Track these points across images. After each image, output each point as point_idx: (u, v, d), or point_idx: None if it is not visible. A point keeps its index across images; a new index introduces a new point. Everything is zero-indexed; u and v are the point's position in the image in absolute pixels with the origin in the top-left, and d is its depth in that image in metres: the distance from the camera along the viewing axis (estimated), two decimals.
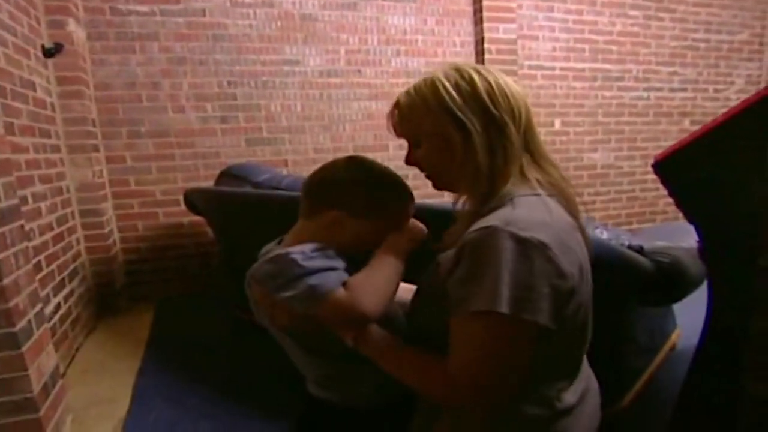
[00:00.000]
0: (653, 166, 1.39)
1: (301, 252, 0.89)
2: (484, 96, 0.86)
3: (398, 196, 1.00)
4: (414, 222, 1.02)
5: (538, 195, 0.84)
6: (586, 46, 4.30)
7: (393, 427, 1.03)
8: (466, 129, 0.85)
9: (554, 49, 4.20)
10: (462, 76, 0.87)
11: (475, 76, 0.87)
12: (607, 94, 4.46)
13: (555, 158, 0.92)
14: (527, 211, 0.78)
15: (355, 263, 0.95)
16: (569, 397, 0.85)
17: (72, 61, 2.91)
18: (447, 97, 0.86)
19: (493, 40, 3.85)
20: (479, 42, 3.88)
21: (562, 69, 4.25)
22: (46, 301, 2.28)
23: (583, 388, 0.90)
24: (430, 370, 0.82)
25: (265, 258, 0.93)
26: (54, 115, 2.82)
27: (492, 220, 0.76)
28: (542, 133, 4.36)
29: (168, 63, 3.31)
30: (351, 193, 0.96)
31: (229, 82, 3.43)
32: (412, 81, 3.30)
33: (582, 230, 0.88)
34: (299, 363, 1.04)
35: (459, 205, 0.99)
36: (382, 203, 0.98)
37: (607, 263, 1.64)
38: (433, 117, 0.88)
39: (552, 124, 4.32)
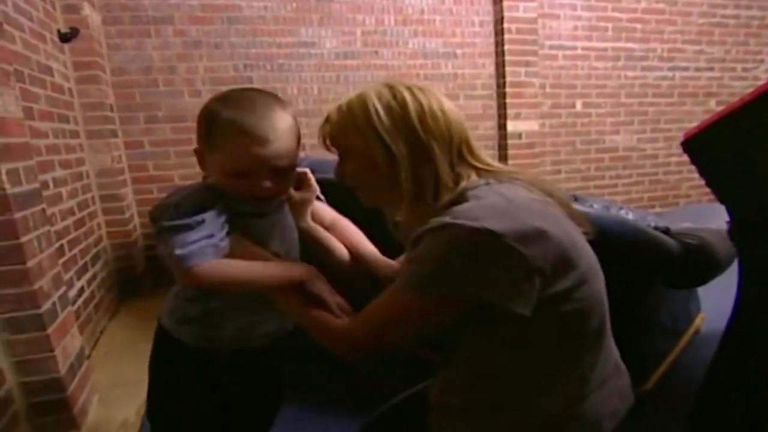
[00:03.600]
0: (682, 144, 1.36)
1: (177, 205, 0.92)
2: (414, 119, 0.86)
3: (231, 128, 0.92)
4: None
5: (488, 184, 0.86)
6: (609, 25, 4.17)
7: (241, 369, 1.08)
8: (391, 153, 0.86)
9: (576, 28, 4.09)
10: (394, 96, 0.88)
11: (408, 97, 0.87)
12: (630, 74, 4.34)
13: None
14: (477, 202, 0.80)
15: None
16: (595, 375, 0.84)
17: (88, 46, 2.90)
18: (376, 119, 0.86)
19: (513, 20, 3.76)
20: (498, 21, 3.79)
21: (583, 48, 4.14)
22: (70, 284, 2.30)
23: (610, 368, 0.89)
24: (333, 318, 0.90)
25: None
26: (72, 100, 2.83)
27: (444, 216, 0.78)
28: (562, 115, 4.28)
29: (183, 47, 3.30)
30: (200, 124, 0.96)
31: (244, 65, 3.41)
32: (430, 62, 3.27)
33: (564, 204, 0.89)
34: (171, 294, 1.10)
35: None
36: (217, 135, 0.94)
37: (633, 244, 1.62)
38: (361, 137, 0.89)
39: (573, 106, 4.23)
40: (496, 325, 0.80)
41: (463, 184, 0.87)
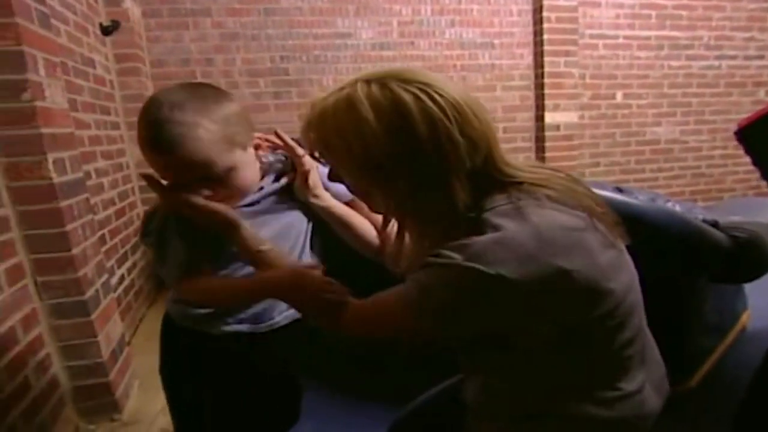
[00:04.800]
0: (736, 133, 1.30)
1: (148, 219, 1.02)
2: (420, 134, 0.68)
3: (139, 137, 0.87)
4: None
5: (512, 203, 0.71)
6: (653, 12, 4.03)
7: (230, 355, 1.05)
8: (390, 180, 0.72)
9: (618, 16, 3.96)
10: (394, 102, 0.68)
11: (411, 103, 0.68)
12: (674, 63, 4.19)
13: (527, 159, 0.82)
14: (496, 236, 0.67)
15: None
16: (631, 379, 0.79)
17: (128, 39, 2.96)
18: (368, 134, 0.69)
19: (553, 8, 3.66)
20: (537, 10, 3.70)
21: (625, 37, 4.01)
22: (111, 272, 2.36)
23: (648, 367, 0.83)
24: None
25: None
26: (113, 92, 2.88)
27: (456, 252, 0.67)
28: (602, 107, 4.13)
29: (221, 38, 3.32)
30: None
31: (281, 57, 3.42)
32: (468, 53, 3.18)
33: (597, 215, 0.74)
34: None
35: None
36: (139, 136, 0.89)
37: (680, 236, 1.56)
38: (350, 157, 0.73)
39: (613, 97, 4.10)
40: (520, 344, 0.76)
41: (482, 203, 0.73)
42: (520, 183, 0.74)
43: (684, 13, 4.10)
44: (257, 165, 1.01)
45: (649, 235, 1.49)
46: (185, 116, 0.85)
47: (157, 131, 0.84)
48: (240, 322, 1.06)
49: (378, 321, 0.78)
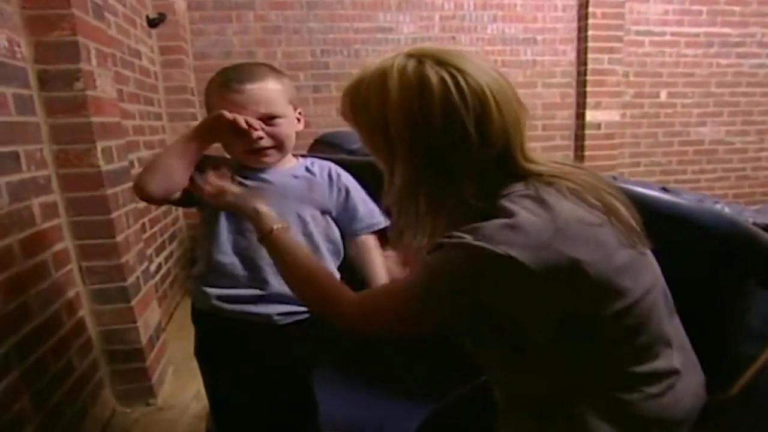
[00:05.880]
0: None
1: None
2: (437, 123, 0.69)
3: (216, 84, 1.06)
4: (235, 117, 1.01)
5: (527, 191, 0.71)
6: (704, 8, 3.87)
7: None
8: (402, 163, 0.73)
9: (666, 12, 3.82)
10: (421, 81, 0.69)
11: (435, 88, 0.68)
12: (723, 61, 4.02)
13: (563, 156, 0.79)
14: (509, 220, 0.66)
15: None
16: (657, 379, 0.76)
17: (173, 31, 3.01)
18: (392, 115, 0.70)
19: (599, 3, 3.56)
20: (583, 5, 3.60)
21: (673, 34, 3.87)
22: (150, 260, 2.40)
23: (679, 370, 0.79)
24: (341, 289, 0.83)
25: None
26: (157, 83, 2.94)
27: (467, 234, 0.67)
28: (645, 105, 3.98)
29: (263, 32, 3.35)
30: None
31: (321, 51, 3.42)
32: (509, 48, 3.11)
33: (615, 213, 0.73)
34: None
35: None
36: (209, 96, 1.09)
37: (729, 239, 1.50)
38: (372, 135, 0.76)
39: (657, 95, 3.97)
40: (526, 335, 0.74)
41: (499, 191, 0.73)
42: (540, 175, 0.74)
43: (737, 8, 3.93)
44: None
45: (695, 236, 1.44)
46: (271, 72, 1.09)
47: (243, 70, 1.07)
48: (245, 309, 1.09)
49: (382, 311, 0.77)
